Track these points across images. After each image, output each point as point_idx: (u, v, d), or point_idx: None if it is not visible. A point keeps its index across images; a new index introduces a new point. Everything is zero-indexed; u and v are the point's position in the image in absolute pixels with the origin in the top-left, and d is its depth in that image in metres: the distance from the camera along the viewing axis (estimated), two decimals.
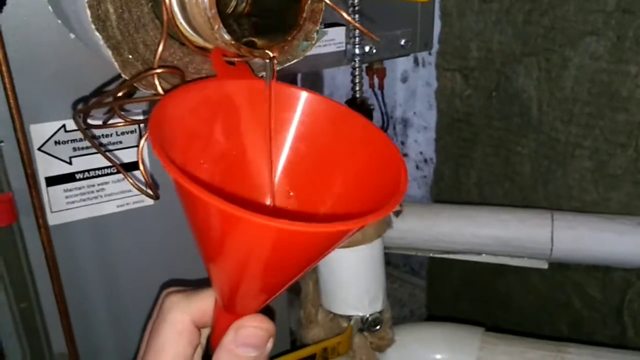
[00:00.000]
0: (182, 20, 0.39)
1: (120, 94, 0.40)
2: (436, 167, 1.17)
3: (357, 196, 0.36)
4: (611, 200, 0.92)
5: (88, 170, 0.56)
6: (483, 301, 1.15)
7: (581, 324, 1.02)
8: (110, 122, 0.46)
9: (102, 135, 0.55)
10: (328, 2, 0.43)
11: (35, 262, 0.55)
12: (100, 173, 0.56)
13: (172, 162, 0.29)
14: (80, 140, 0.54)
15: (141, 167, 0.39)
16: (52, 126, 0.53)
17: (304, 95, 0.39)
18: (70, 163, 0.55)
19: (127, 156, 0.57)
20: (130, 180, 0.43)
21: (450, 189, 1.15)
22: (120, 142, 0.57)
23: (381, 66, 0.99)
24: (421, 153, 1.28)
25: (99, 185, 0.57)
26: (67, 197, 0.55)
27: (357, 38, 0.74)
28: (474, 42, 1.01)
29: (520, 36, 0.94)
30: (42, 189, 0.54)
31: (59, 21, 0.50)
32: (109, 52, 0.39)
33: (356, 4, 0.71)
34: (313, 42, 0.46)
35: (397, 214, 0.88)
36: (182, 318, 0.37)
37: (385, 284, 0.80)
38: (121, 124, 0.44)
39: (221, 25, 0.37)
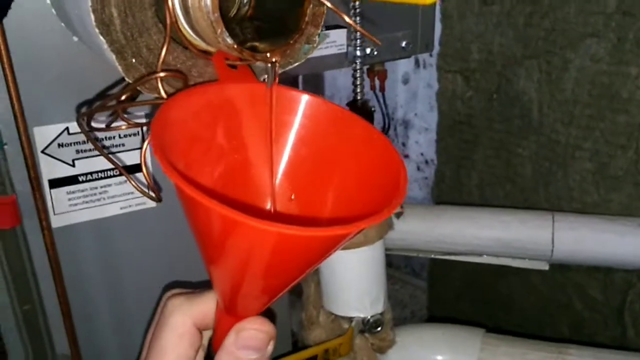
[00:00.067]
0: (185, 24, 0.40)
1: (123, 98, 0.40)
2: (437, 168, 1.17)
3: (357, 198, 0.36)
4: (612, 201, 0.92)
5: (91, 173, 0.56)
6: (484, 302, 1.15)
7: (582, 325, 1.02)
8: (114, 125, 0.46)
9: (105, 137, 0.56)
10: (330, 5, 0.43)
11: (39, 264, 0.55)
12: (103, 175, 0.57)
13: (173, 167, 0.30)
14: (84, 142, 0.55)
15: (144, 169, 0.40)
16: (55, 129, 0.53)
17: (304, 99, 0.39)
18: (73, 165, 0.55)
19: (130, 158, 0.57)
20: (133, 183, 0.43)
21: (451, 191, 1.15)
22: (123, 145, 0.57)
23: (382, 68, 0.99)
24: (422, 154, 1.29)
25: (101, 187, 0.57)
26: (70, 199, 0.56)
27: (358, 40, 0.74)
28: (474, 44, 1.01)
29: (521, 38, 0.95)
30: (46, 191, 0.54)
31: (63, 24, 0.50)
32: (113, 56, 0.39)
33: (357, 7, 0.72)
34: (315, 45, 0.46)
35: (399, 215, 0.88)
36: (183, 321, 0.38)
37: (386, 286, 0.80)
38: (124, 127, 0.44)
39: (224, 29, 0.37)
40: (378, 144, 0.37)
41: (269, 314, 0.37)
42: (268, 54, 0.39)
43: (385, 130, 1.20)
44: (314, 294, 0.81)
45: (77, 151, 0.55)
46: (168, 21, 0.38)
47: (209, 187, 0.37)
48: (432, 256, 0.95)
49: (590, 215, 0.91)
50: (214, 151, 0.38)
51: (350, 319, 0.78)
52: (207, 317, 0.38)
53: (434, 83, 1.13)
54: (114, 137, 0.56)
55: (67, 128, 0.54)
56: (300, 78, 1.29)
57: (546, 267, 0.91)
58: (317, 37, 0.46)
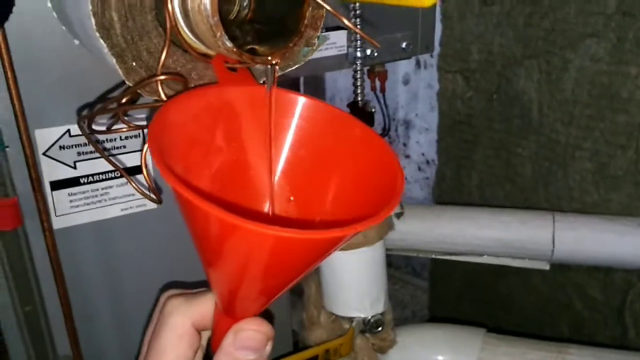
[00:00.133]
0: (185, 28, 0.40)
1: (124, 101, 0.40)
2: (438, 168, 1.17)
3: (355, 200, 0.37)
4: (612, 201, 0.93)
5: (92, 175, 0.56)
6: (485, 302, 1.15)
7: (582, 325, 1.02)
8: (114, 127, 0.46)
9: (107, 140, 0.56)
10: (329, 8, 0.43)
11: (40, 265, 0.56)
12: (104, 177, 0.57)
13: (170, 169, 0.30)
14: (85, 144, 0.55)
15: (144, 171, 0.40)
16: (56, 131, 0.54)
17: (302, 101, 0.40)
18: (74, 167, 0.55)
19: (131, 160, 0.58)
20: (134, 185, 0.44)
21: (451, 191, 1.15)
22: (124, 147, 0.57)
23: (382, 69, 0.99)
24: (423, 154, 1.29)
25: (103, 189, 0.57)
26: (71, 201, 0.56)
27: (358, 41, 0.75)
28: (474, 45, 1.01)
29: (521, 39, 0.95)
30: (47, 193, 0.54)
31: (64, 27, 0.50)
32: (113, 60, 0.40)
33: (357, 9, 0.72)
34: (314, 47, 0.47)
35: (399, 215, 0.88)
36: (182, 322, 0.38)
37: (386, 286, 0.80)
38: (125, 130, 0.44)
39: (223, 33, 0.37)
40: (375, 145, 0.37)
41: (267, 315, 0.37)
42: (267, 57, 0.40)
43: (386, 131, 1.20)
44: (314, 294, 0.81)
45: (79, 153, 0.55)
46: (168, 25, 0.38)
47: (208, 189, 0.37)
48: (433, 256, 0.95)
49: (590, 215, 0.91)
50: (213, 154, 0.38)
51: (351, 319, 0.78)
52: (205, 318, 0.38)
53: (435, 83, 1.13)
54: (115, 140, 0.56)
55: (68, 130, 0.54)
56: (302, 80, 1.29)
57: (546, 267, 0.91)
58: (316, 39, 0.46)
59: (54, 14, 0.50)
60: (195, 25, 0.38)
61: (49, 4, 0.50)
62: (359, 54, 0.76)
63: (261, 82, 0.43)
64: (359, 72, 0.78)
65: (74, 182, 0.56)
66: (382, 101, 1.09)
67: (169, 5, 0.38)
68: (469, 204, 1.11)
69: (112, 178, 0.57)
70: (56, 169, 0.54)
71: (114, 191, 0.58)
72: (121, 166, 0.56)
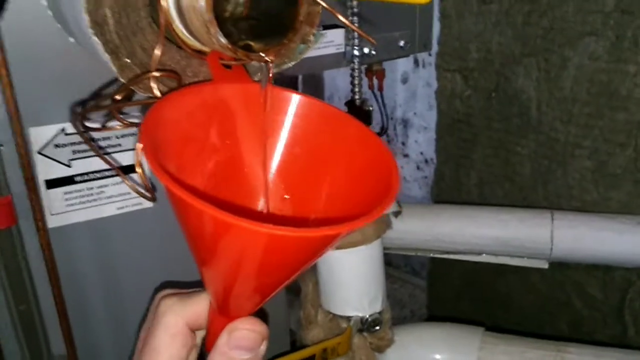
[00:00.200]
0: (179, 24, 0.40)
1: (118, 98, 0.40)
2: (437, 167, 1.17)
3: (350, 198, 0.36)
4: (611, 199, 0.92)
5: (87, 173, 0.56)
6: (483, 301, 1.15)
7: (582, 323, 1.02)
8: (109, 125, 0.46)
9: (102, 138, 0.56)
10: (325, 5, 0.43)
11: (35, 264, 0.55)
12: (99, 176, 0.57)
13: (162, 167, 0.30)
14: (80, 143, 0.55)
15: (138, 169, 0.40)
16: (51, 129, 0.53)
17: (297, 99, 0.39)
18: (69, 166, 0.55)
19: (127, 159, 0.57)
20: (128, 182, 0.43)
21: (450, 190, 1.15)
22: (120, 145, 0.57)
23: (380, 67, 0.99)
24: (422, 153, 1.29)
25: (98, 187, 0.57)
26: (66, 199, 0.56)
27: (356, 40, 0.75)
28: (473, 43, 1.01)
29: (520, 37, 0.95)
30: (42, 191, 0.54)
31: (59, 25, 0.50)
32: (107, 57, 0.40)
33: (354, 7, 0.72)
34: (310, 45, 0.46)
35: (397, 214, 0.88)
36: (176, 321, 0.38)
37: (384, 285, 0.80)
38: (119, 127, 0.44)
39: (217, 29, 0.37)
40: (371, 143, 0.37)
41: (261, 314, 0.37)
42: (262, 54, 0.39)
43: (384, 129, 1.20)
44: (312, 293, 0.81)
45: (74, 152, 0.55)
46: (162, 21, 0.38)
47: (202, 187, 0.37)
48: (431, 255, 0.95)
49: (589, 213, 0.91)
50: (207, 151, 0.38)
51: (348, 318, 0.78)
52: (199, 318, 0.38)
53: (433, 82, 1.13)
54: (110, 138, 0.56)
55: (63, 129, 0.54)
56: (300, 78, 1.29)
57: (545, 266, 0.91)
58: (312, 36, 0.46)
59: (49, 11, 0.50)
60: (189, 22, 0.38)
61: (44, 2, 0.49)
62: (356, 52, 0.75)
63: (256, 79, 0.42)
64: (356, 70, 0.78)
65: (69, 180, 0.55)
66: (380, 100, 1.09)
67: (163, 2, 0.38)
68: (468, 203, 1.11)
69: (107, 177, 0.57)
70: (51, 167, 0.54)
71: (109, 190, 0.57)
72: (117, 164, 0.56)
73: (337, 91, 1.38)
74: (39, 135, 0.53)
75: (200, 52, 0.41)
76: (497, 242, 0.89)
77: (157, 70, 0.39)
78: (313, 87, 1.38)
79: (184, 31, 0.40)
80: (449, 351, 0.85)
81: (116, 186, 0.58)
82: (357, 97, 0.83)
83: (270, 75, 0.40)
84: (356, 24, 0.72)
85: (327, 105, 0.40)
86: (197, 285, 0.39)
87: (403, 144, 1.31)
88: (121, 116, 0.43)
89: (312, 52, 0.47)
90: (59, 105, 0.53)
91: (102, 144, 0.56)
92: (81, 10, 0.38)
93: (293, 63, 0.47)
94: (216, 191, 0.38)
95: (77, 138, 0.54)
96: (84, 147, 0.55)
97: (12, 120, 0.50)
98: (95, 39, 0.39)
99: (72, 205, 0.56)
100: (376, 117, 1.13)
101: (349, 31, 0.74)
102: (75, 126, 0.46)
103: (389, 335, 0.81)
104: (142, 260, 0.62)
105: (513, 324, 1.09)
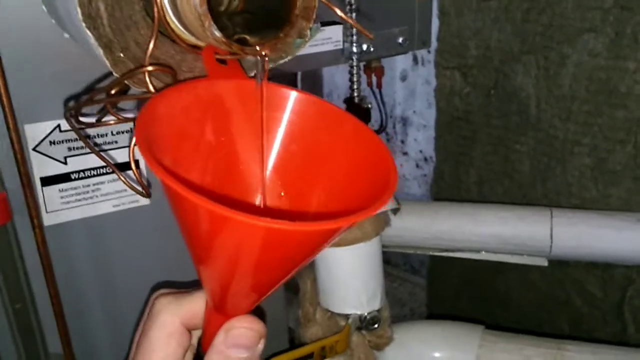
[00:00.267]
0: (173, 18, 0.39)
1: (112, 92, 0.40)
2: (436, 165, 1.17)
3: (348, 195, 0.36)
4: (611, 196, 0.92)
5: (83, 170, 0.56)
6: (483, 299, 1.15)
7: (581, 321, 1.01)
8: (103, 120, 0.46)
9: (97, 135, 0.55)
10: None
11: (30, 262, 0.55)
12: (95, 173, 0.56)
13: (158, 162, 0.29)
14: (76, 140, 0.54)
15: (132, 165, 0.39)
16: (46, 126, 0.53)
17: (293, 95, 0.39)
18: (65, 163, 0.55)
19: (123, 156, 0.57)
20: (122, 178, 0.43)
21: (450, 188, 1.15)
22: (116, 142, 0.56)
23: (379, 64, 0.99)
24: (421, 151, 1.28)
25: (94, 185, 0.56)
26: (62, 197, 0.55)
27: (354, 36, 0.74)
28: (472, 41, 1.01)
29: (519, 34, 0.94)
30: (38, 189, 0.54)
31: (53, 21, 0.50)
32: (101, 51, 0.39)
33: (353, 3, 0.71)
34: (306, 39, 0.46)
35: (395, 211, 0.87)
36: (171, 320, 0.37)
37: (383, 282, 0.80)
38: (113, 122, 0.44)
39: (212, 22, 0.36)
40: (368, 139, 0.37)
41: (258, 312, 0.36)
42: (257, 48, 0.39)
43: (383, 127, 1.20)
44: (310, 290, 0.80)
45: (69, 149, 0.54)
46: (156, 15, 0.37)
47: (198, 183, 0.36)
48: (430, 253, 0.94)
49: (589, 210, 0.91)
50: (203, 147, 0.37)
51: (347, 316, 0.78)
52: (195, 317, 0.38)
53: (432, 80, 1.12)
54: (106, 135, 0.56)
55: (58, 125, 0.53)
56: (299, 75, 1.29)
57: (545, 263, 0.91)
58: (309, 30, 0.46)
59: (43, 7, 0.49)
60: (183, 15, 0.38)
61: None
62: (355, 49, 0.75)
63: (252, 74, 0.42)
64: (355, 67, 0.78)
65: (64, 178, 0.55)
66: (378, 97, 1.09)
67: None
68: (468, 200, 1.10)
69: (103, 174, 0.57)
70: (46, 164, 0.54)
71: (105, 187, 0.57)
72: (112, 161, 0.56)
73: (336, 88, 1.37)
74: (34, 132, 0.52)
75: (195, 47, 0.41)
76: (496, 239, 0.89)
77: (151, 64, 0.38)
78: (312, 84, 1.38)
79: (179, 25, 0.40)
80: (449, 349, 0.84)
81: (112, 184, 0.57)
82: (355, 94, 0.83)
83: (266, 70, 0.39)
84: (354, 20, 0.72)
85: (323, 101, 0.39)
86: (193, 285, 0.39)
87: (402, 142, 1.31)
88: (116, 112, 0.42)
89: (309, 49, 0.46)
90: (54, 101, 0.52)
91: (98, 141, 0.56)
92: (74, 3, 0.38)
93: (289, 58, 0.46)
94: (212, 188, 0.37)
95: (73, 135, 0.54)
96: (80, 144, 0.54)
97: (7, 117, 0.49)
98: (88, 32, 0.38)
99: (67, 202, 0.56)
100: (375, 115, 1.13)
101: (347, 27, 0.73)
102: (67, 120, 0.46)
103: (387, 333, 0.81)
104: (138, 258, 0.61)
105: (512, 322, 1.08)
